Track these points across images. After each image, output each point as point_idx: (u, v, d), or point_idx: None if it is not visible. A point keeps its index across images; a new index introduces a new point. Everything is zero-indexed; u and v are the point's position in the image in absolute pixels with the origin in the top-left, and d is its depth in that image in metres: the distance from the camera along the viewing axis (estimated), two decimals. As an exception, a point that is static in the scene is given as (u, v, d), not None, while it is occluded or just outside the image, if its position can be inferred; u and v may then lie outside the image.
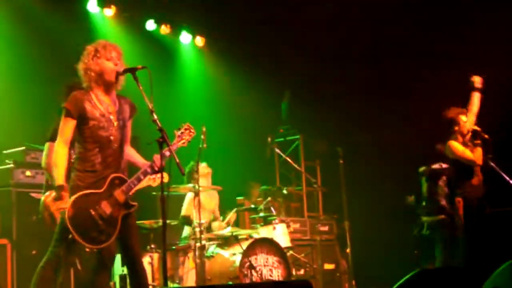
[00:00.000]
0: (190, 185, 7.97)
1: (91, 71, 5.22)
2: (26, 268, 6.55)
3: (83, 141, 5.17)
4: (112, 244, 5.18)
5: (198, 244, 7.53)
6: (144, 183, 5.69)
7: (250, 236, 8.14)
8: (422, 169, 8.58)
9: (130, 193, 5.23)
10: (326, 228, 10.34)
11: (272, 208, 8.86)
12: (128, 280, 6.36)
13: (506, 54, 9.62)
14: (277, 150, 10.21)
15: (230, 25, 11.14)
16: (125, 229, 5.15)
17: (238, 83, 11.18)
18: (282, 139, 11.74)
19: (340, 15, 10.56)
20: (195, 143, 8.42)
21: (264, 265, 7.73)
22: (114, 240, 5.13)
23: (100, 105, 5.21)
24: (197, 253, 7.53)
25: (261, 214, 8.79)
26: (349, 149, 9.89)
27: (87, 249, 5.24)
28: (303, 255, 9.43)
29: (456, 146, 7.52)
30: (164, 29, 10.77)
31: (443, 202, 8.41)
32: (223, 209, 8.98)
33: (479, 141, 7.47)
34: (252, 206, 9.09)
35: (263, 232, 8.35)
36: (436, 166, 8.44)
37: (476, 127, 7.53)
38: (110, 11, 9.89)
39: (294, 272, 8.54)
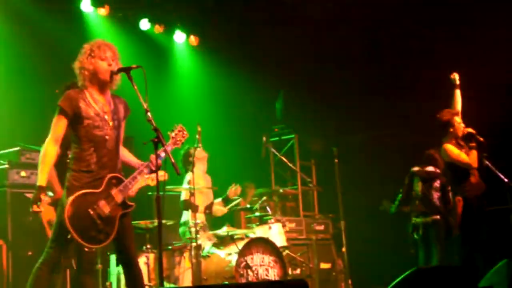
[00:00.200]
0: (186, 186, 7.97)
1: (85, 70, 5.22)
2: (22, 269, 6.54)
3: (78, 140, 5.15)
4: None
5: (194, 244, 7.52)
6: (142, 183, 5.68)
7: (246, 236, 8.13)
8: (416, 169, 8.57)
9: (132, 193, 5.23)
10: (321, 228, 10.36)
11: (267, 208, 8.85)
12: (123, 280, 6.39)
13: (505, 54, 9.64)
14: (272, 150, 10.20)
15: (224, 24, 11.13)
16: (121, 229, 5.14)
17: (233, 83, 11.17)
18: (277, 138, 11.74)
19: (338, 15, 10.58)
20: (189, 142, 8.48)
21: (260, 265, 7.72)
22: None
23: (94, 104, 5.20)
24: (193, 253, 7.53)
25: (257, 213, 8.79)
26: (344, 148, 9.89)
27: (86, 249, 5.22)
28: (299, 254, 9.42)
29: (452, 149, 7.52)
30: (158, 28, 10.76)
31: (438, 203, 8.44)
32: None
33: (474, 144, 7.47)
34: (248, 206, 9.09)
35: (259, 231, 8.35)
36: (431, 169, 8.45)
37: (471, 130, 7.53)
38: (103, 11, 9.88)
39: (290, 272, 8.53)
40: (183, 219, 8.28)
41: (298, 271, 9.24)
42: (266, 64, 11.23)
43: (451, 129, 7.61)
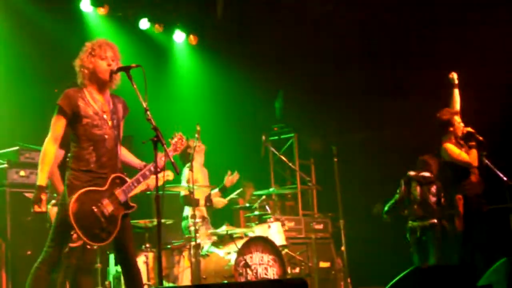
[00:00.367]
0: (184, 180, 7.97)
1: (85, 68, 5.23)
2: (21, 268, 6.54)
3: (77, 139, 5.15)
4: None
5: (193, 243, 7.52)
6: (143, 186, 5.69)
7: (245, 235, 8.13)
8: (412, 174, 8.59)
9: (130, 195, 5.24)
10: (321, 226, 10.36)
11: (267, 207, 8.85)
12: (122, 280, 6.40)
13: (506, 54, 9.64)
14: (272, 149, 10.20)
15: (223, 24, 11.13)
16: (120, 229, 5.15)
17: (232, 82, 11.18)
18: (276, 137, 11.73)
19: (337, 14, 10.58)
20: (187, 135, 8.47)
21: (259, 264, 7.73)
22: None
23: (93, 103, 5.20)
24: (192, 252, 7.53)
25: (256, 212, 8.79)
26: (344, 147, 9.89)
27: (88, 246, 5.22)
28: (298, 253, 9.43)
29: (452, 148, 7.53)
30: (158, 28, 10.77)
31: (434, 206, 8.47)
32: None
33: (473, 143, 7.47)
34: (247, 205, 9.09)
35: (258, 230, 8.35)
36: (426, 174, 8.47)
37: (470, 129, 7.53)
38: (103, 10, 9.88)
39: (289, 271, 8.53)
40: (185, 213, 8.27)
41: (297, 270, 9.25)
42: (265, 63, 11.24)
43: (451, 128, 7.62)
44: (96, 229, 5.01)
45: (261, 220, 8.70)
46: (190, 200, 7.74)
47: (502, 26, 9.72)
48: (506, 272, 5.61)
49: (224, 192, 8.70)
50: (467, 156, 7.45)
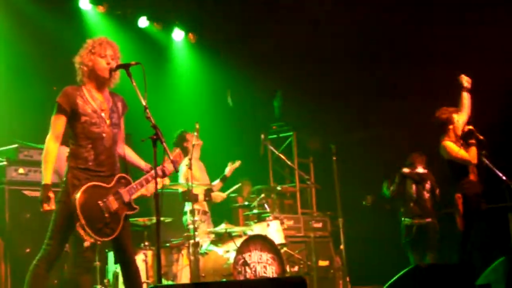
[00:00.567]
0: (182, 181, 7.97)
1: (84, 65, 5.24)
2: (20, 266, 6.53)
3: (75, 137, 5.16)
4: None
5: (192, 241, 7.52)
6: (143, 191, 5.71)
7: (244, 233, 8.14)
8: (407, 171, 8.62)
9: (133, 197, 5.27)
10: (320, 225, 10.36)
11: (265, 205, 8.85)
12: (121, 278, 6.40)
13: (505, 53, 9.64)
14: (271, 147, 10.21)
15: (223, 22, 11.13)
16: (121, 228, 5.16)
17: (231, 80, 11.18)
18: (275, 136, 11.75)
19: (336, 13, 10.57)
20: (184, 127, 8.48)
21: (258, 262, 7.73)
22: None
23: (92, 101, 5.20)
24: (191, 250, 7.53)
25: (255, 211, 8.79)
26: (343, 146, 9.90)
27: (92, 240, 5.20)
28: (297, 251, 9.43)
29: (451, 146, 7.52)
30: (157, 26, 10.76)
31: (430, 205, 8.50)
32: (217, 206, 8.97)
33: (473, 141, 7.47)
34: (246, 203, 9.09)
35: (257, 229, 8.35)
36: (421, 170, 8.50)
37: (471, 127, 7.53)
38: (102, 9, 9.87)
39: (288, 269, 8.54)
40: (186, 208, 8.27)
41: (296, 268, 9.25)
42: (264, 62, 11.23)
43: (450, 127, 7.62)
44: (100, 224, 5.02)
45: (260, 218, 8.71)
46: (189, 196, 7.74)
47: (501, 26, 9.72)
48: (505, 271, 5.60)
49: (225, 182, 8.67)
50: (467, 153, 7.44)
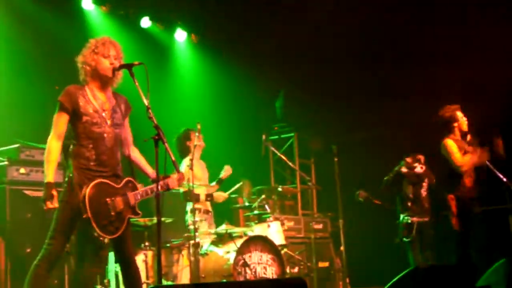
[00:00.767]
0: (184, 181, 7.97)
1: (87, 65, 5.25)
2: (20, 266, 6.54)
3: (77, 137, 5.17)
4: None
5: (192, 242, 7.52)
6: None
7: (245, 234, 8.13)
8: (405, 171, 8.62)
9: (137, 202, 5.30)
10: (320, 226, 10.36)
11: (266, 206, 8.85)
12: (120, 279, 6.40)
13: (506, 53, 9.64)
14: (272, 148, 10.21)
15: (225, 23, 11.13)
16: (124, 229, 5.17)
17: (233, 81, 11.17)
18: (276, 136, 11.75)
19: (338, 14, 10.57)
20: (187, 125, 8.47)
21: (258, 263, 7.73)
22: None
23: (94, 101, 5.21)
24: (191, 250, 7.53)
25: (256, 211, 8.80)
26: (344, 147, 9.89)
27: (95, 234, 5.21)
28: (297, 252, 9.43)
29: (450, 145, 7.53)
30: (159, 27, 10.77)
31: (427, 204, 8.50)
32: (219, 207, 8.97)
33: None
34: (247, 204, 9.09)
35: (257, 229, 8.35)
36: (419, 170, 8.50)
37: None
38: (104, 9, 9.88)
39: (288, 270, 8.54)
40: (188, 207, 8.28)
41: (296, 269, 9.25)
42: (266, 62, 11.23)
43: (455, 124, 7.63)
44: (106, 220, 5.05)
45: (260, 219, 8.71)
46: (190, 196, 7.74)
47: (503, 26, 9.71)
48: (505, 273, 5.60)
49: (221, 184, 8.65)
50: (461, 158, 7.44)
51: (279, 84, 11.70)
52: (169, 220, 7.76)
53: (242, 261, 7.55)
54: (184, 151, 8.31)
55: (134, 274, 5.28)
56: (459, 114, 7.65)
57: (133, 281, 5.27)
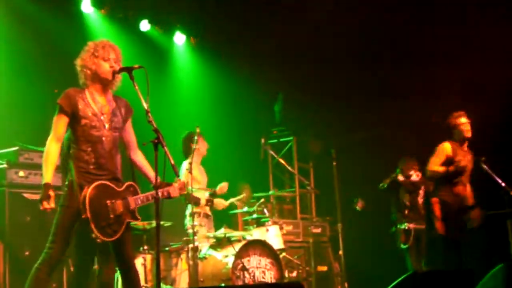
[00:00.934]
0: (183, 173, 7.98)
1: (87, 69, 5.24)
2: (19, 269, 6.53)
3: (76, 140, 5.17)
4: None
5: (191, 246, 7.52)
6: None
7: (243, 238, 8.14)
8: (401, 179, 8.64)
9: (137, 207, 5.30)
10: (319, 230, 10.36)
11: (265, 210, 8.85)
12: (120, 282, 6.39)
13: (505, 53, 9.65)
14: (271, 152, 10.21)
15: (224, 24, 11.13)
16: (122, 234, 5.17)
17: (232, 85, 11.17)
18: (275, 140, 11.75)
19: (338, 14, 10.57)
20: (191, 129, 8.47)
21: (257, 267, 7.73)
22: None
23: (93, 104, 5.21)
24: (190, 254, 7.53)
25: (254, 215, 8.79)
26: (343, 150, 9.89)
27: (92, 235, 5.20)
28: (296, 257, 9.43)
29: (441, 149, 7.61)
30: (158, 30, 10.77)
31: (423, 211, 8.53)
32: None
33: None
34: (245, 208, 9.09)
35: (256, 233, 8.35)
36: (415, 178, 8.53)
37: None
38: (104, 12, 9.88)
39: (286, 274, 8.54)
40: (187, 211, 8.27)
41: (294, 273, 9.25)
42: (265, 63, 11.23)
43: (455, 131, 7.67)
44: (104, 222, 5.03)
45: (259, 223, 8.70)
46: (191, 199, 7.74)
47: (502, 26, 9.72)
48: (504, 278, 5.60)
49: (214, 197, 8.61)
50: (436, 165, 7.50)
51: (279, 86, 11.69)
52: (168, 224, 7.76)
53: (241, 265, 7.55)
54: (188, 153, 8.31)
55: (134, 278, 5.28)
56: (463, 120, 7.68)
57: (133, 285, 5.26)
